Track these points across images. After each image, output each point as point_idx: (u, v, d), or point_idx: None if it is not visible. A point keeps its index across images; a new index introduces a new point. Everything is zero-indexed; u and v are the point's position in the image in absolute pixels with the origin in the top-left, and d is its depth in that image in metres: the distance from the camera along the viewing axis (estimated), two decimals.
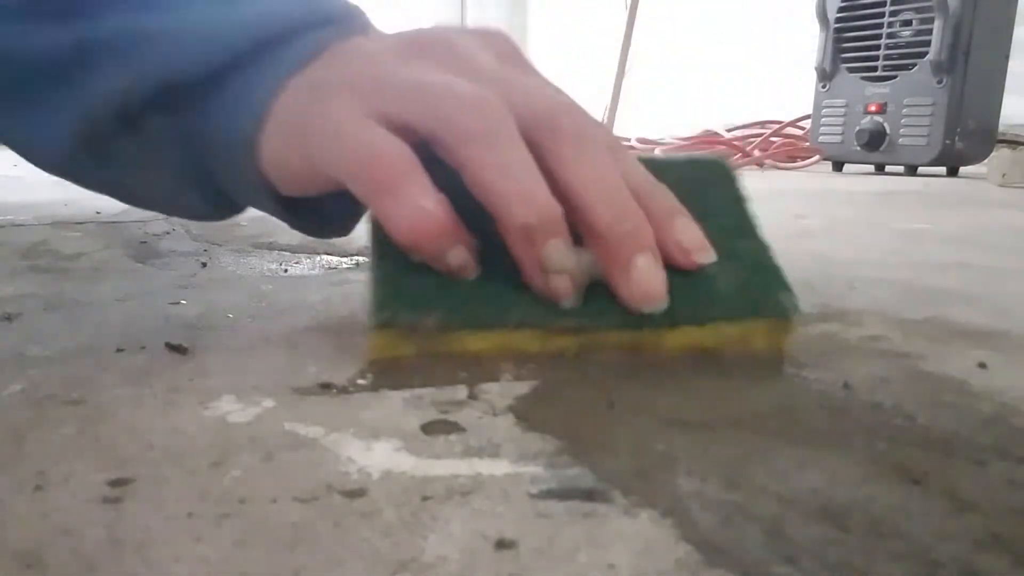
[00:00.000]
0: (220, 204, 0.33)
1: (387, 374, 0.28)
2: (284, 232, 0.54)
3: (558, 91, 0.28)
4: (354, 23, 0.30)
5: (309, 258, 0.52)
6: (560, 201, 0.26)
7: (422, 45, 0.28)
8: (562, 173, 0.26)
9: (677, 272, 0.27)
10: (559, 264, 0.26)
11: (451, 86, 0.25)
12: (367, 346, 0.29)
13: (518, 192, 0.25)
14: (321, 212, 0.33)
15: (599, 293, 0.27)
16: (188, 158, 0.30)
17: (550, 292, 0.27)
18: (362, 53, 0.28)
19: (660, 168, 0.29)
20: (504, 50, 0.29)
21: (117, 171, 0.32)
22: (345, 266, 0.49)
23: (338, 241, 0.56)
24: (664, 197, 0.28)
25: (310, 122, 0.26)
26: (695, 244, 0.28)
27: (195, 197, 0.32)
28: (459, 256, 0.27)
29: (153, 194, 0.34)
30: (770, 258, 0.31)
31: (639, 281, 0.26)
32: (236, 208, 0.34)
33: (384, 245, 0.28)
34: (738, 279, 0.28)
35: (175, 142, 0.30)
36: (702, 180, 0.31)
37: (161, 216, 0.75)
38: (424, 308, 0.27)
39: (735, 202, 0.32)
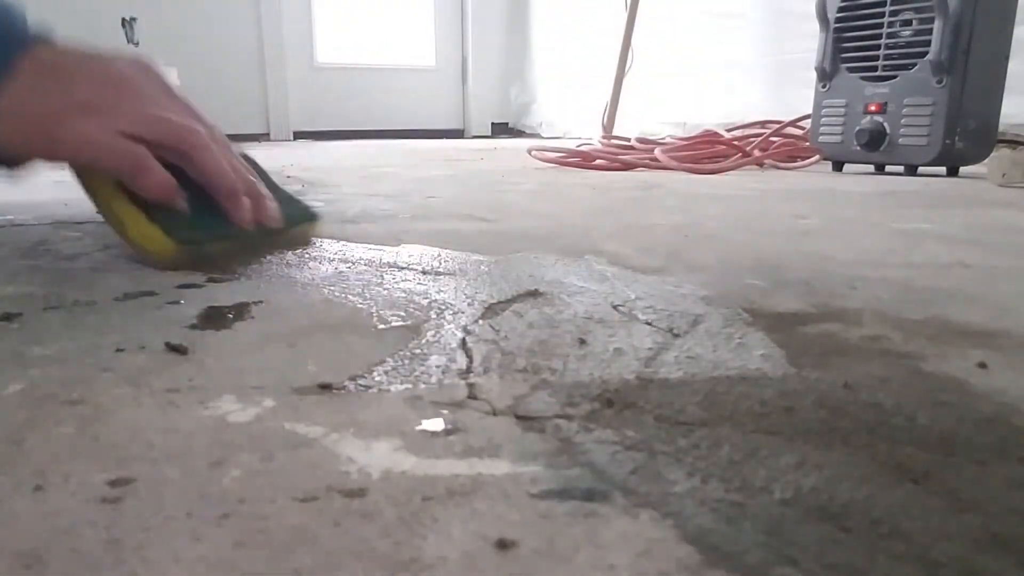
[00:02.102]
0: None
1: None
2: None
3: (197, 113, 0.50)
4: (32, 35, 0.45)
5: (309, 259, 0.52)
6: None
7: (109, 72, 0.45)
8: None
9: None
10: (248, 207, 0.49)
11: (175, 119, 0.47)
12: (162, 262, 0.47)
13: (229, 173, 0.48)
14: None
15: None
16: None
17: (246, 222, 0.49)
18: (68, 68, 0.44)
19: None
20: (158, 75, 0.48)
21: None
22: (346, 267, 0.49)
23: (338, 246, 0.56)
24: (256, 178, 0.52)
25: (64, 134, 0.42)
26: (273, 209, 0.52)
27: None
28: (182, 203, 0.46)
29: None
30: (298, 201, 0.60)
31: (273, 213, 0.51)
32: None
33: (136, 207, 0.47)
34: (291, 209, 0.56)
35: None
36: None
37: None
38: (189, 232, 0.48)
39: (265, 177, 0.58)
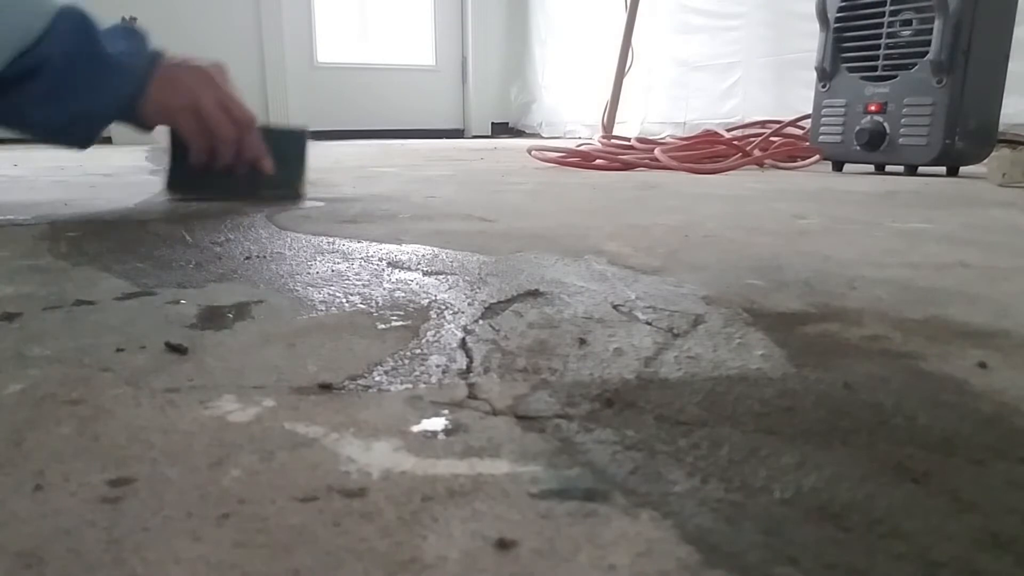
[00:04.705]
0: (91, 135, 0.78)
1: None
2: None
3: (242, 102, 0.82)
4: (161, 54, 0.77)
5: (309, 259, 0.52)
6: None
7: (208, 70, 0.79)
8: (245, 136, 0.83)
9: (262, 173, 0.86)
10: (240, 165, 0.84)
11: (242, 106, 0.81)
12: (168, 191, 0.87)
13: (252, 156, 0.83)
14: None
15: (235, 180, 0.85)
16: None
17: (228, 162, 0.82)
18: (182, 69, 0.77)
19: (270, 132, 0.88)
20: (225, 76, 0.81)
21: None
22: (346, 267, 0.49)
23: (338, 246, 0.56)
24: (262, 146, 0.84)
25: (180, 101, 0.76)
26: (268, 166, 0.85)
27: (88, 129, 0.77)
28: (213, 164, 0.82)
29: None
30: (300, 173, 0.93)
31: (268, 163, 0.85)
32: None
33: (179, 156, 0.83)
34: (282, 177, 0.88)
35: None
36: (288, 138, 0.92)
37: (159, 217, 0.75)
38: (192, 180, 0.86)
39: (298, 149, 0.93)
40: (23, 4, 0.68)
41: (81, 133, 0.75)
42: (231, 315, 0.37)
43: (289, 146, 0.90)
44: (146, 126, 0.78)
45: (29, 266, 0.49)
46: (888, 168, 1.54)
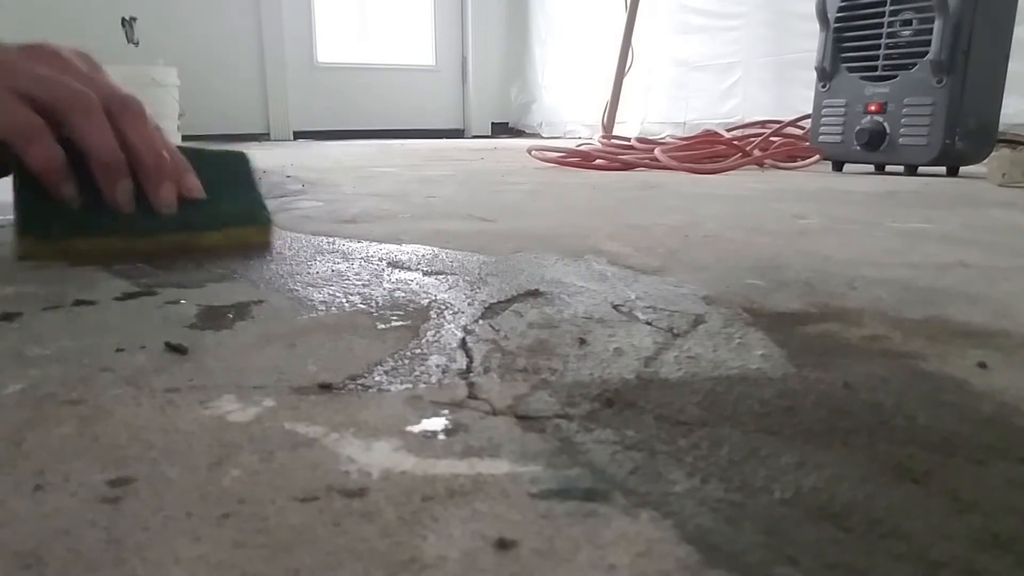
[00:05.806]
0: None
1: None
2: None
3: (122, 88, 0.49)
4: None
5: (308, 259, 0.52)
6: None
7: (41, 52, 0.48)
8: (128, 135, 0.47)
9: (195, 202, 0.51)
10: (125, 186, 0.48)
11: (65, 80, 0.46)
12: (17, 250, 0.48)
13: (104, 144, 0.46)
14: None
15: (148, 213, 0.49)
16: None
17: (119, 204, 0.48)
18: (13, 50, 0.47)
19: (194, 153, 0.54)
20: (91, 63, 0.50)
21: None
22: (345, 267, 0.49)
23: (338, 246, 0.56)
24: (178, 155, 0.52)
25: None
26: (194, 185, 0.51)
27: None
28: (69, 189, 0.47)
29: None
30: (255, 197, 0.56)
31: (166, 195, 0.49)
32: None
33: (23, 183, 0.47)
34: (236, 206, 0.54)
35: None
36: (224, 161, 0.57)
37: None
38: (55, 221, 0.48)
39: (241, 173, 0.57)
40: None
41: None
42: (231, 315, 0.37)
43: (231, 174, 0.57)
44: None
45: (29, 266, 0.49)
46: (888, 168, 1.54)
